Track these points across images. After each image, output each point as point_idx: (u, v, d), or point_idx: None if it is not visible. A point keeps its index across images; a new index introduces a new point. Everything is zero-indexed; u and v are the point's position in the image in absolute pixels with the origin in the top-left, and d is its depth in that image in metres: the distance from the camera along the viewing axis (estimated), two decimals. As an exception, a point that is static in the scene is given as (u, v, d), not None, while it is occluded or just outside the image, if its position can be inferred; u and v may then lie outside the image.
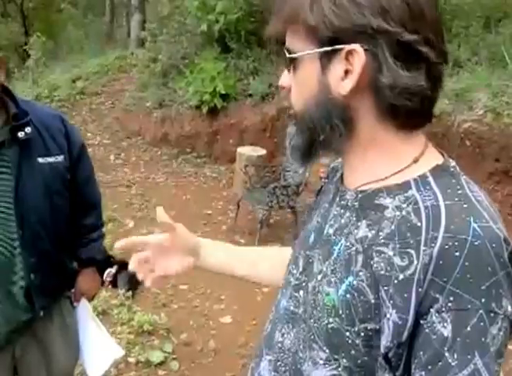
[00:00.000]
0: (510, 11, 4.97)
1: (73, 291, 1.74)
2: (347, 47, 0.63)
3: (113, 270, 3.38)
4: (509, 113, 3.66)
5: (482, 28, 4.85)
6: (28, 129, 1.41)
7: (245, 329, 2.99)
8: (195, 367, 2.68)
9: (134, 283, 3.37)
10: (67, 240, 1.61)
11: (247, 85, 5.87)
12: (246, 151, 4.96)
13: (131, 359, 2.68)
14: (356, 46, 0.62)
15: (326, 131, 0.68)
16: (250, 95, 5.74)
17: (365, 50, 0.62)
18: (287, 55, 0.70)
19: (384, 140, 0.68)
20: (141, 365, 2.65)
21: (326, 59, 0.65)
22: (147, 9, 10.49)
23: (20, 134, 1.39)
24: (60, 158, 1.50)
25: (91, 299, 1.80)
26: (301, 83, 0.70)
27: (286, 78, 0.74)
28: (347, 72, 0.64)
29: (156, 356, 2.70)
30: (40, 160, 1.45)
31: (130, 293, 3.25)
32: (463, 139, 3.77)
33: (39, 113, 1.50)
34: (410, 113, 0.66)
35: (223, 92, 5.78)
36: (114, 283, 3.35)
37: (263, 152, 4.98)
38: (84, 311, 1.73)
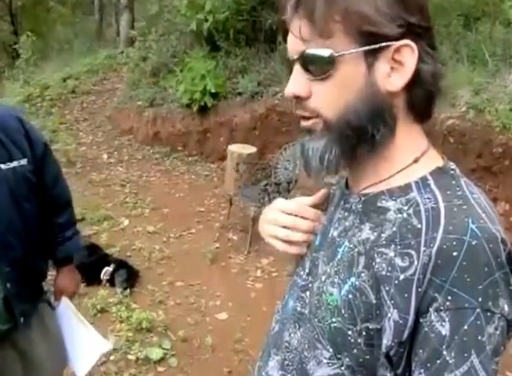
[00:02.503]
0: (488, 10, 5.07)
1: (52, 290, 1.73)
2: (397, 43, 0.64)
3: (110, 269, 3.48)
4: (490, 109, 3.76)
5: (462, 27, 4.94)
6: None
7: (240, 325, 3.05)
8: (193, 363, 2.74)
9: (131, 281, 3.47)
10: (40, 243, 1.56)
11: (237, 84, 5.92)
12: (237, 149, 5.03)
13: (131, 357, 2.74)
14: (409, 42, 0.64)
15: (380, 129, 0.67)
16: (240, 94, 5.80)
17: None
18: (334, 54, 0.65)
19: (398, 140, 0.70)
20: (140, 362, 2.71)
21: (373, 56, 0.65)
22: (136, 8, 10.45)
23: None
24: (23, 162, 1.42)
25: (72, 297, 1.77)
26: (342, 84, 0.66)
27: (303, 86, 0.69)
28: (391, 69, 0.65)
29: (156, 353, 2.75)
30: (2, 166, 1.37)
31: (127, 291, 3.33)
32: (447, 135, 3.86)
33: None
34: (434, 100, 0.70)
35: (213, 90, 5.83)
36: (112, 282, 3.44)
37: (253, 150, 5.06)
38: (66, 309, 1.71)
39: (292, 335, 0.80)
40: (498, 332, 0.58)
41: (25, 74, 8.37)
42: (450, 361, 0.57)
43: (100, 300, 3.19)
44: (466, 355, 0.57)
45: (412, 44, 0.64)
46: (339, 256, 0.72)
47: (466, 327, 0.57)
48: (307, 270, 0.81)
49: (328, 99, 0.68)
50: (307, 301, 0.78)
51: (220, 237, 4.29)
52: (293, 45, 0.69)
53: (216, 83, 5.87)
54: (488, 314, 0.58)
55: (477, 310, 0.57)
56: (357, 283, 0.67)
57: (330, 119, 0.68)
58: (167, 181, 5.64)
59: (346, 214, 0.75)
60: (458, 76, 4.06)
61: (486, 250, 0.59)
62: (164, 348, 2.83)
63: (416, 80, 0.66)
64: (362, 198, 0.73)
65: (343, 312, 0.68)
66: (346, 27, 0.64)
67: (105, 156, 6.39)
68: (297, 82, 0.69)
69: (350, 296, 0.67)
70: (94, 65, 9.25)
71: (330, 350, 0.71)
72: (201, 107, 6.00)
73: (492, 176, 3.72)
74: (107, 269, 3.50)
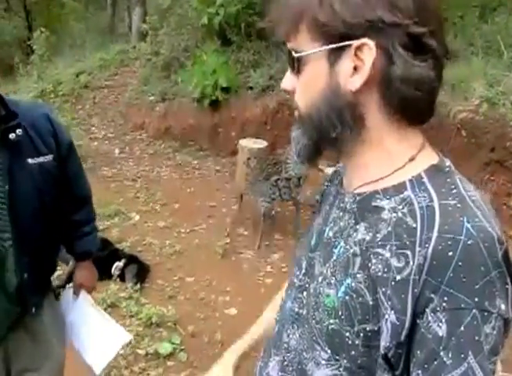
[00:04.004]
0: (505, 0, 4.97)
1: (71, 284, 1.79)
2: (356, 42, 0.63)
3: (121, 264, 3.50)
4: (504, 102, 3.69)
5: (478, 18, 4.84)
6: (19, 131, 1.40)
7: (249, 321, 3.03)
8: (202, 358, 2.74)
9: (141, 276, 3.49)
10: (59, 237, 1.64)
11: (248, 78, 5.89)
12: (248, 144, 5.01)
13: (141, 351, 2.75)
14: (367, 41, 0.63)
15: (338, 129, 0.68)
16: (251, 88, 5.77)
17: (376, 44, 0.62)
18: (294, 55, 0.69)
19: (386, 139, 0.69)
20: (150, 356, 2.73)
21: (334, 56, 0.65)
22: (148, 2, 10.46)
23: (11, 136, 1.38)
24: (49, 158, 1.50)
25: (90, 291, 1.82)
26: (308, 82, 0.70)
27: (289, 81, 0.73)
28: (355, 68, 0.64)
29: (165, 348, 2.76)
30: (30, 161, 1.45)
31: (138, 286, 3.35)
32: (459, 129, 3.79)
33: (27, 113, 1.47)
34: (419, 105, 0.67)
35: (224, 84, 5.81)
36: (122, 277, 3.47)
37: (264, 144, 5.04)
38: (85, 303, 1.76)
39: (291, 336, 0.80)
40: (495, 332, 0.58)
41: (39, 70, 8.45)
42: (447, 362, 0.57)
43: (111, 295, 3.22)
44: (463, 355, 0.57)
45: (369, 42, 0.63)
46: (335, 257, 0.72)
47: (462, 328, 0.57)
48: (303, 270, 0.81)
49: (300, 94, 0.72)
50: (304, 301, 0.78)
51: (230, 232, 4.28)
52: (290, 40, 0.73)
53: (227, 77, 5.85)
54: (485, 314, 0.57)
55: (474, 310, 0.57)
56: (353, 284, 0.67)
57: (301, 112, 0.72)
58: (178, 176, 5.65)
59: (341, 213, 0.75)
60: (472, 68, 3.99)
61: (482, 249, 0.58)
62: (174, 343, 2.84)
63: (383, 82, 0.65)
64: (357, 198, 0.72)
65: (340, 313, 0.68)
66: (308, 27, 0.66)
67: (116, 151, 6.42)
68: (287, 78, 0.74)
69: (347, 297, 0.67)
70: (106, 60, 9.28)
71: (328, 351, 0.71)
72: (212, 102, 5.98)
73: (505, 171, 3.66)
74: (118, 264, 3.52)
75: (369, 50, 0.63)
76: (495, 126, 3.68)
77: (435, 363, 0.58)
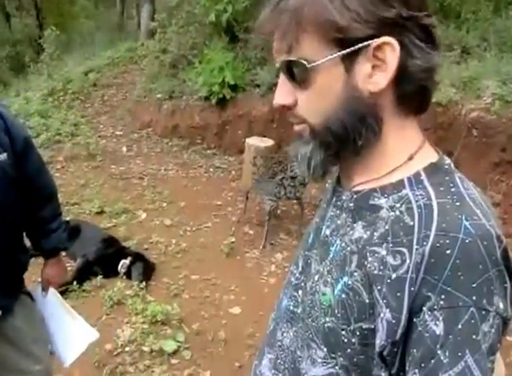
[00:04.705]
0: (521, -7, 4.86)
1: (39, 280, 1.76)
2: (376, 42, 0.61)
3: (127, 262, 3.51)
4: (516, 101, 3.63)
5: (492, 12, 4.75)
6: None
7: (252, 320, 3.05)
8: (206, 356, 2.75)
9: (147, 274, 3.49)
10: (21, 237, 1.59)
11: (255, 75, 5.87)
12: (255, 142, 4.99)
13: (146, 348, 2.76)
14: (388, 39, 0.61)
15: (363, 135, 0.65)
16: (258, 86, 5.75)
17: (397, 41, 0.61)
18: (308, 66, 0.64)
19: (391, 137, 0.68)
20: (155, 354, 2.73)
21: (350, 59, 0.62)
22: (157, 0, 10.48)
23: None
24: (3, 156, 1.42)
25: (59, 288, 1.80)
26: (321, 93, 0.65)
27: (288, 94, 0.68)
28: (373, 67, 0.63)
29: (170, 346, 2.77)
30: None
31: (143, 284, 3.35)
32: (470, 128, 3.73)
33: None
34: (429, 94, 0.68)
35: (232, 82, 5.80)
36: (128, 274, 3.48)
37: (271, 142, 5.02)
38: (54, 300, 1.74)
39: (285, 334, 0.80)
40: (493, 330, 0.58)
41: (49, 68, 8.51)
42: (444, 361, 0.57)
43: (117, 292, 3.23)
44: (460, 354, 0.56)
45: (392, 40, 0.61)
46: (331, 255, 0.71)
47: (460, 326, 0.57)
48: (300, 269, 0.81)
49: (310, 107, 0.67)
50: (299, 300, 0.78)
51: (236, 231, 4.27)
52: (277, 53, 0.68)
53: (235, 75, 5.84)
54: (483, 312, 0.57)
55: (472, 309, 0.57)
56: (350, 282, 0.66)
57: (315, 126, 0.68)
58: (185, 174, 5.65)
59: (338, 212, 0.74)
60: (484, 65, 3.92)
61: (480, 247, 0.58)
62: (178, 341, 2.84)
63: (402, 76, 0.64)
64: (354, 196, 0.71)
65: (336, 311, 0.68)
66: (316, 36, 0.62)
67: (124, 149, 6.44)
68: (283, 92, 0.69)
69: (343, 296, 0.67)
70: (115, 58, 9.33)
71: (324, 350, 0.71)
72: (220, 99, 5.97)
73: (517, 171, 3.59)
74: (124, 262, 3.53)
75: (391, 48, 0.61)
76: (507, 125, 3.61)
77: (432, 361, 0.57)
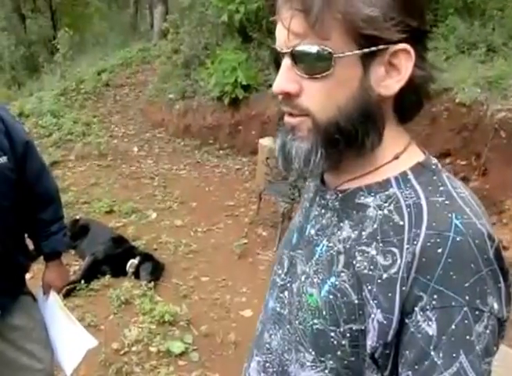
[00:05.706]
0: (551, -12, 4.73)
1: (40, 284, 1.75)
2: (395, 47, 0.61)
3: (135, 261, 3.46)
4: (544, 101, 3.51)
5: (519, 9, 4.64)
6: None
7: (264, 322, 2.99)
8: (215, 359, 2.70)
9: (156, 274, 3.44)
10: (21, 239, 1.60)
11: (268, 76, 5.83)
12: (268, 143, 4.94)
13: (153, 349, 2.72)
14: (406, 46, 0.61)
15: (371, 135, 0.64)
16: (271, 86, 5.68)
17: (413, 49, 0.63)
18: (324, 56, 0.60)
19: (384, 139, 0.68)
20: (162, 354, 2.69)
21: (368, 60, 0.62)
22: (169, 0, 10.53)
23: None
24: (3, 159, 1.42)
25: (59, 291, 1.80)
26: (336, 87, 0.62)
27: (292, 82, 0.63)
28: (386, 72, 0.63)
29: (177, 347, 2.73)
30: None
31: (152, 284, 3.30)
32: (497, 130, 3.61)
33: None
34: (421, 108, 0.69)
35: (244, 82, 5.77)
36: (137, 274, 3.43)
37: (284, 143, 4.95)
38: (54, 304, 1.73)
39: (272, 337, 0.78)
40: (488, 331, 0.56)
41: (62, 68, 8.57)
42: (438, 362, 0.55)
43: (125, 292, 3.20)
44: (454, 355, 0.55)
45: (410, 48, 0.61)
46: (317, 255, 0.70)
47: (453, 327, 0.55)
48: (285, 269, 0.79)
49: (320, 99, 0.63)
50: (285, 301, 0.76)
51: (248, 233, 4.21)
52: (283, 37, 0.63)
53: (247, 75, 5.80)
54: (477, 313, 0.56)
55: (465, 309, 0.55)
56: (337, 282, 0.65)
57: (320, 120, 0.63)
58: (197, 174, 5.61)
59: (323, 211, 0.73)
60: (511, 64, 3.79)
61: (472, 246, 0.57)
62: (186, 343, 2.80)
63: (407, 85, 0.63)
64: (340, 195, 0.70)
65: (324, 313, 0.66)
66: (346, 27, 0.60)
67: (135, 148, 6.43)
68: (287, 78, 0.64)
69: (330, 297, 0.66)
70: (128, 58, 9.38)
71: (313, 353, 0.69)
72: (232, 100, 5.94)
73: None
74: (133, 262, 3.50)
75: (406, 55, 0.61)
76: (536, 127, 3.49)
77: (426, 363, 0.56)
